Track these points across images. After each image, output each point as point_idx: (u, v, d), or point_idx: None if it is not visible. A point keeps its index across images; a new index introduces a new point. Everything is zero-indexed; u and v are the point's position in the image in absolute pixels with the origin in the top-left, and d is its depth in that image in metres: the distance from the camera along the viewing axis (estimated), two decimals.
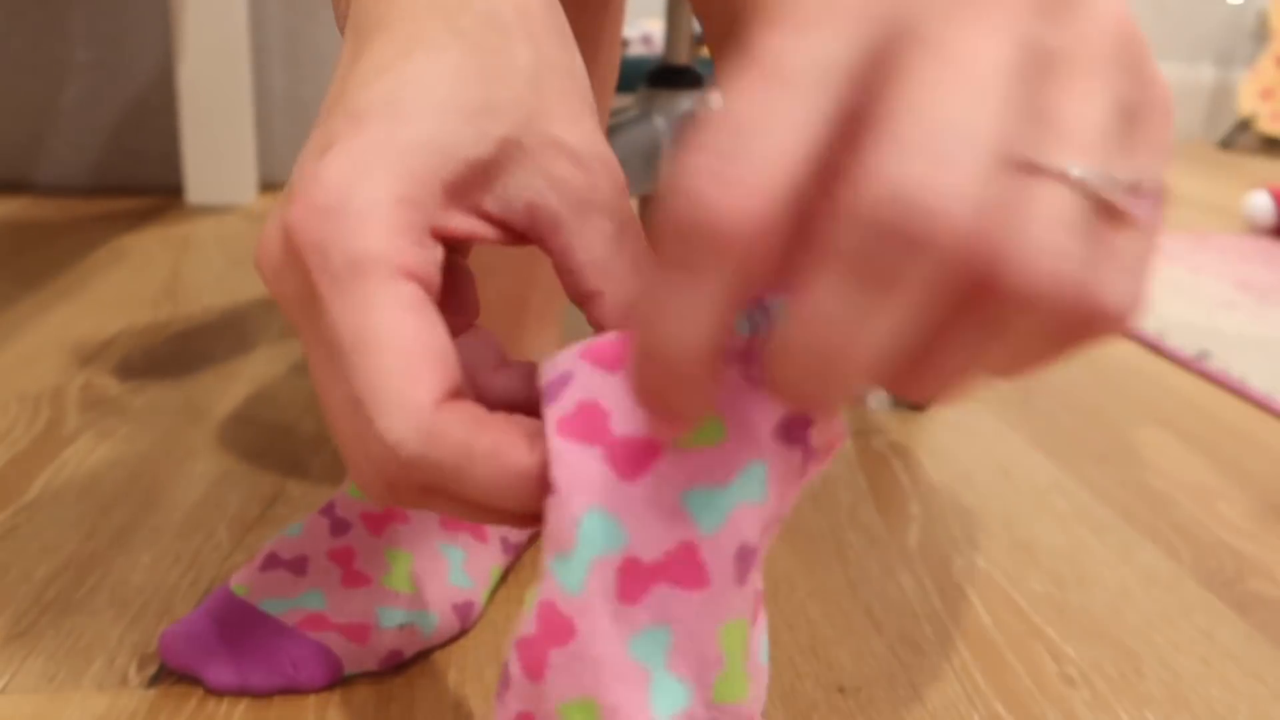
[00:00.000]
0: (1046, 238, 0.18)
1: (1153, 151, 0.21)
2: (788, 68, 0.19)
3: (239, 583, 0.49)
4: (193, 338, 0.91)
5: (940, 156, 0.17)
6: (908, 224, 0.17)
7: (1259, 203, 1.57)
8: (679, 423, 0.23)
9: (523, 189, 0.28)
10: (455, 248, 0.30)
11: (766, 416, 0.26)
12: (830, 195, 0.19)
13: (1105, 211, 0.20)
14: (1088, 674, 0.52)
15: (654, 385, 0.21)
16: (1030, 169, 0.19)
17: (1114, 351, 1.02)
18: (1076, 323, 0.19)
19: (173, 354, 0.87)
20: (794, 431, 0.27)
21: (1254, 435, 0.84)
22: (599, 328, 0.28)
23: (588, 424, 0.26)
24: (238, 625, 0.47)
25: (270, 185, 1.52)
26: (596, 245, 0.28)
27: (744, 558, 0.27)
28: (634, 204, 1.38)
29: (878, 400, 0.85)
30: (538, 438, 0.26)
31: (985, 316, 0.19)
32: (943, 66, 0.18)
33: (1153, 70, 0.22)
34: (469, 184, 0.27)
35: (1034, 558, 0.63)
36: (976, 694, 0.50)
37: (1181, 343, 1.03)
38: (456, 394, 0.25)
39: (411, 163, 0.25)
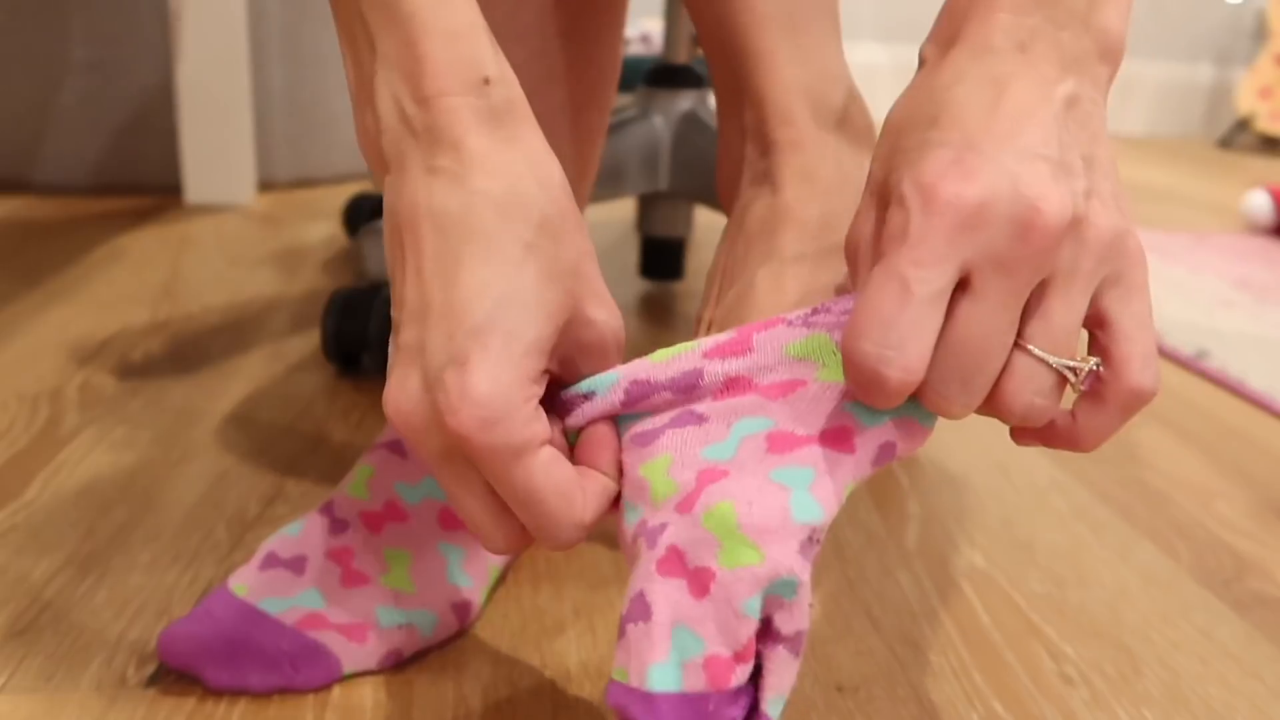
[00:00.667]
0: (1030, 391, 0.35)
1: (1134, 303, 0.35)
2: (918, 294, 0.32)
3: (238, 582, 0.49)
4: (191, 337, 0.91)
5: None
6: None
7: (1258, 202, 1.57)
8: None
9: (563, 351, 0.38)
10: None
11: None
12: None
13: (1061, 378, 0.35)
14: (1086, 673, 0.52)
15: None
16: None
17: None
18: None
19: (171, 353, 0.87)
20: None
21: (1253, 434, 0.84)
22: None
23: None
24: (236, 625, 0.47)
25: (268, 185, 1.52)
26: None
27: (884, 451, 0.37)
28: (633, 203, 1.38)
29: None
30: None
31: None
32: (998, 295, 0.34)
33: (1130, 249, 0.35)
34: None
35: (1032, 557, 0.63)
36: (975, 693, 0.50)
37: (1180, 342, 1.04)
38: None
39: (528, 365, 0.35)
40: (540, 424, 0.36)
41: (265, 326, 0.95)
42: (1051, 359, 0.34)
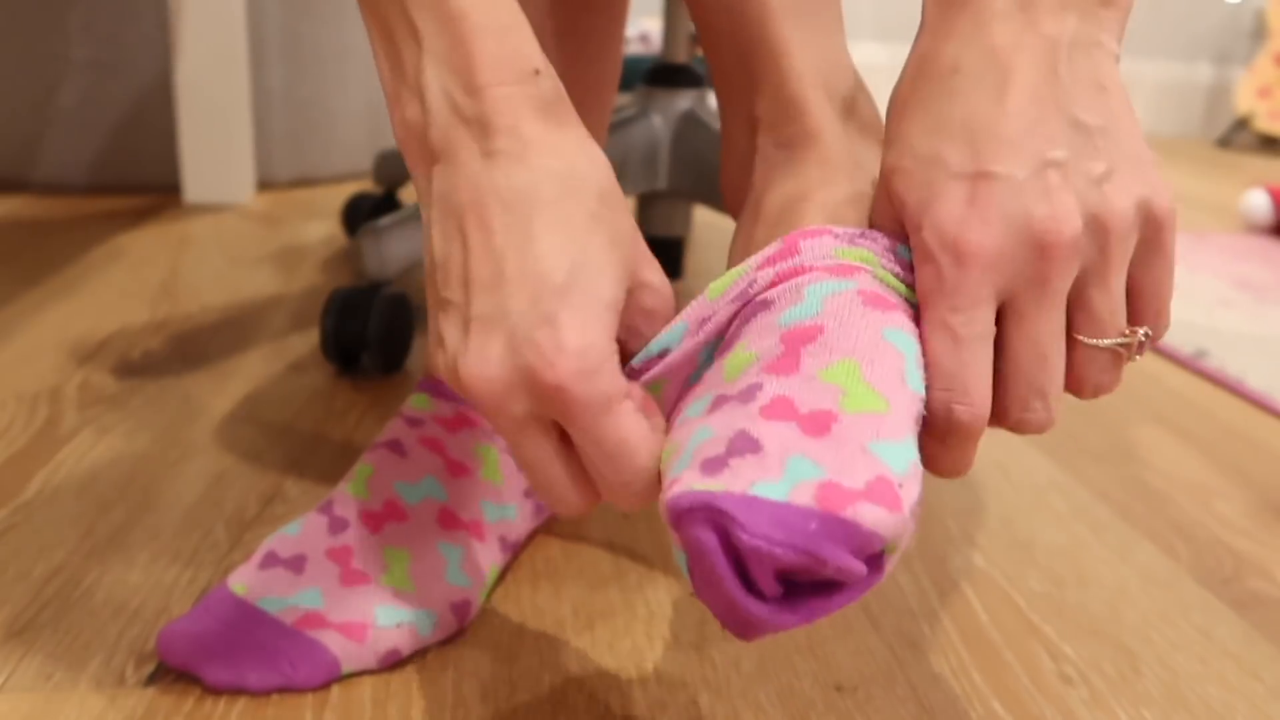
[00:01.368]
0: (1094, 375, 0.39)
1: (1157, 286, 0.38)
2: (966, 337, 0.36)
3: (237, 581, 0.49)
4: (190, 336, 0.91)
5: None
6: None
7: (1256, 201, 1.57)
8: None
9: (627, 317, 0.40)
10: None
11: None
12: None
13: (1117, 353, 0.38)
14: (1086, 673, 0.52)
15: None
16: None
17: None
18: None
19: (170, 352, 0.87)
20: None
21: (1252, 434, 0.84)
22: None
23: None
24: (236, 624, 0.47)
25: (267, 184, 1.52)
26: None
27: None
28: (632, 203, 1.38)
29: None
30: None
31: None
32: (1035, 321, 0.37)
33: (1155, 210, 0.37)
34: None
35: (1032, 556, 0.63)
36: (974, 692, 0.50)
37: (1179, 341, 1.04)
38: None
39: (607, 319, 0.36)
40: (624, 380, 0.37)
41: (264, 326, 0.95)
42: (1103, 342, 0.37)
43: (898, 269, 0.38)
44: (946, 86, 0.37)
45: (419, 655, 0.50)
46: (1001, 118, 0.36)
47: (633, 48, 2.19)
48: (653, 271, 0.40)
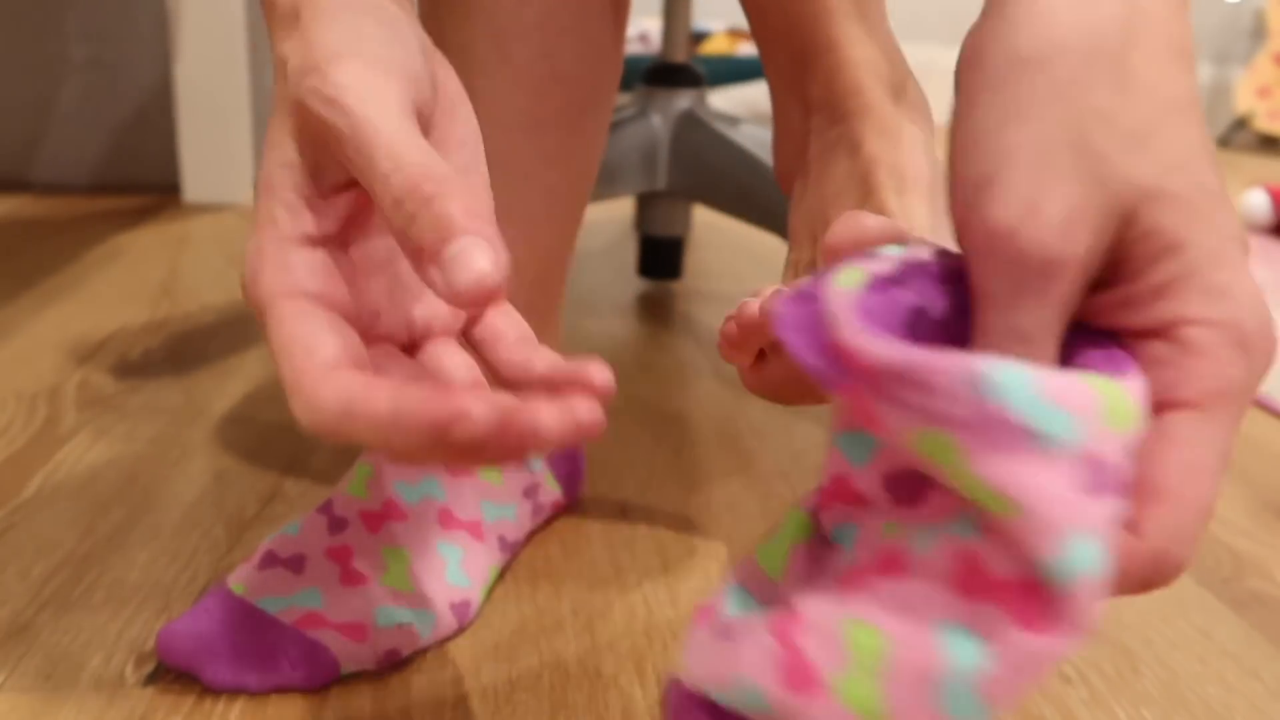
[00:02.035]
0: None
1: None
2: (1027, 329, 0.27)
3: (237, 581, 0.49)
4: (190, 336, 0.91)
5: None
6: None
7: (1256, 201, 1.57)
8: None
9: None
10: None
11: None
12: None
13: None
14: (1085, 672, 0.52)
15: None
16: None
17: None
18: None
19: (170, 352, 0.87)
20: None
21: (1251, 434, 0.84)
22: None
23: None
24: (235, 623, 0.47)
25: None
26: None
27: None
28: (631, 203, 1.38)
29: None
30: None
31: None
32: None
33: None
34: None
35: None
36: None
37: None
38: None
39: (279, 214, 0.31)
40: (282, 281, 0.32)
41: None
42: None
43: None
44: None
45: (419, 655, 0.50)
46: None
47: (632, 47, 2.19)
48: (458, 89, 0.36)
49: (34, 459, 0.67)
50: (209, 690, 0.47)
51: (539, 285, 0.58)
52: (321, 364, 0.28)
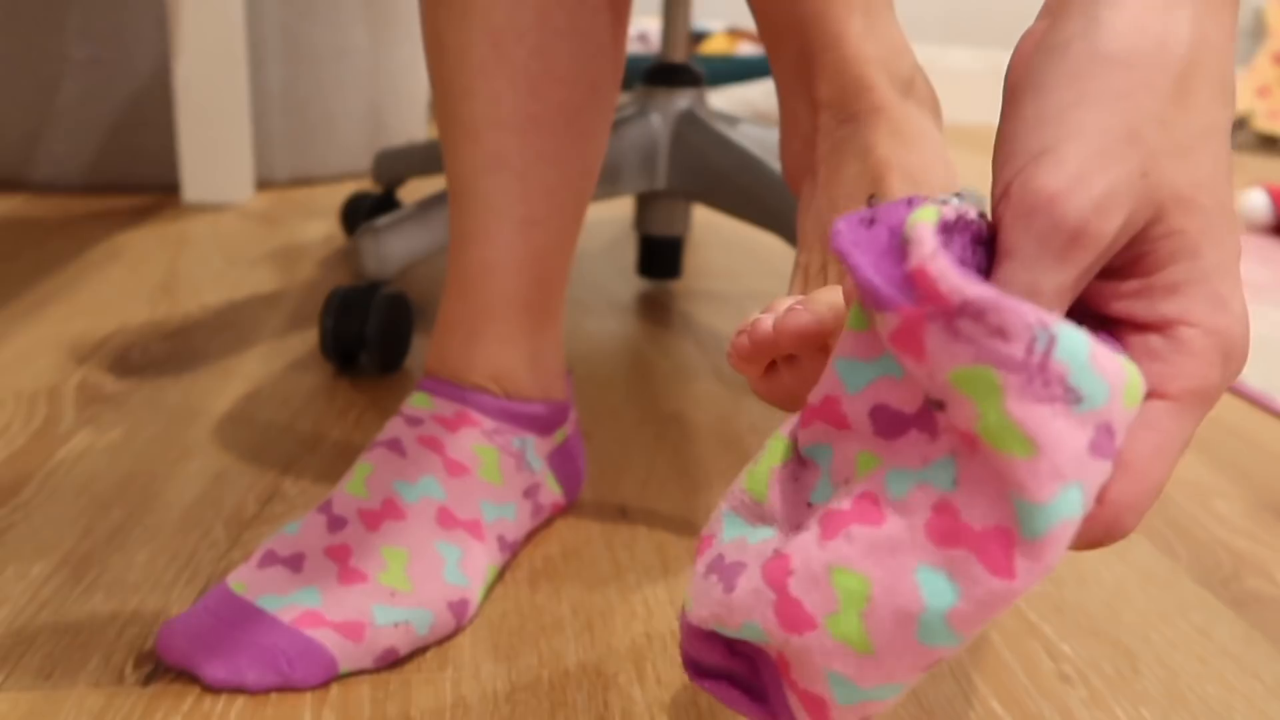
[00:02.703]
0: None
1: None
2: (1043, 288, 0.29)
3: (236, 580, 0.49)
4: (189, 336, 0.91)
5: None
6: None
7: (1255, 201, 1.57)
8: None
9: None
10: None
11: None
12: None
13: None
14: (1084, 672, 0.52)
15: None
16: None
17: None
18: None
19: (169, 352, 0.87)
20: None
21: (1251, 433, 0.84)
22: None
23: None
24: (234, 622, 0.47)
25: (266, 183, 1.51)
26: None
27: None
28: (630, 202, 1.38)
29: None
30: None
31: None
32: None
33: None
34: None
35: None
36: (973, 692, 0.50)
37: None
38: None
39: None
40: None
41: (263, 325, 0.95)
42: None
43: None
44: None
45: (418, 654, 0.50)
46: None
47: (632, 47, 2.19)
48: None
49: (33, 459, 0.67)
50: (208, 690, 0.47)
51: (539, 284, 0.58)
52: None
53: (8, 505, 0.62)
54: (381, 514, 0.53)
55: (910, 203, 0.30)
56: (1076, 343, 0.26)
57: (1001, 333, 0.26)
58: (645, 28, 2.22)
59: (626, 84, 1.32)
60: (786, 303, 0.40)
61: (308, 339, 0.92)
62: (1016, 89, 0.32)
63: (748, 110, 2.09)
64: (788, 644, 0.30)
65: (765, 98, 2.07)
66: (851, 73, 0.49)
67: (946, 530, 0.28)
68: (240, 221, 1.32)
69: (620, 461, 0.72)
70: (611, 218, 1.45)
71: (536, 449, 0.59)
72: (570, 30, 0.54)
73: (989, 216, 0.31)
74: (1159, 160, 0.29)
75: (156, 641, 0.47)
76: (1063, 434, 0.26)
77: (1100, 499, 0.29)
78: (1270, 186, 1.58)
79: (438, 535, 0.53)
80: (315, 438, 0.73)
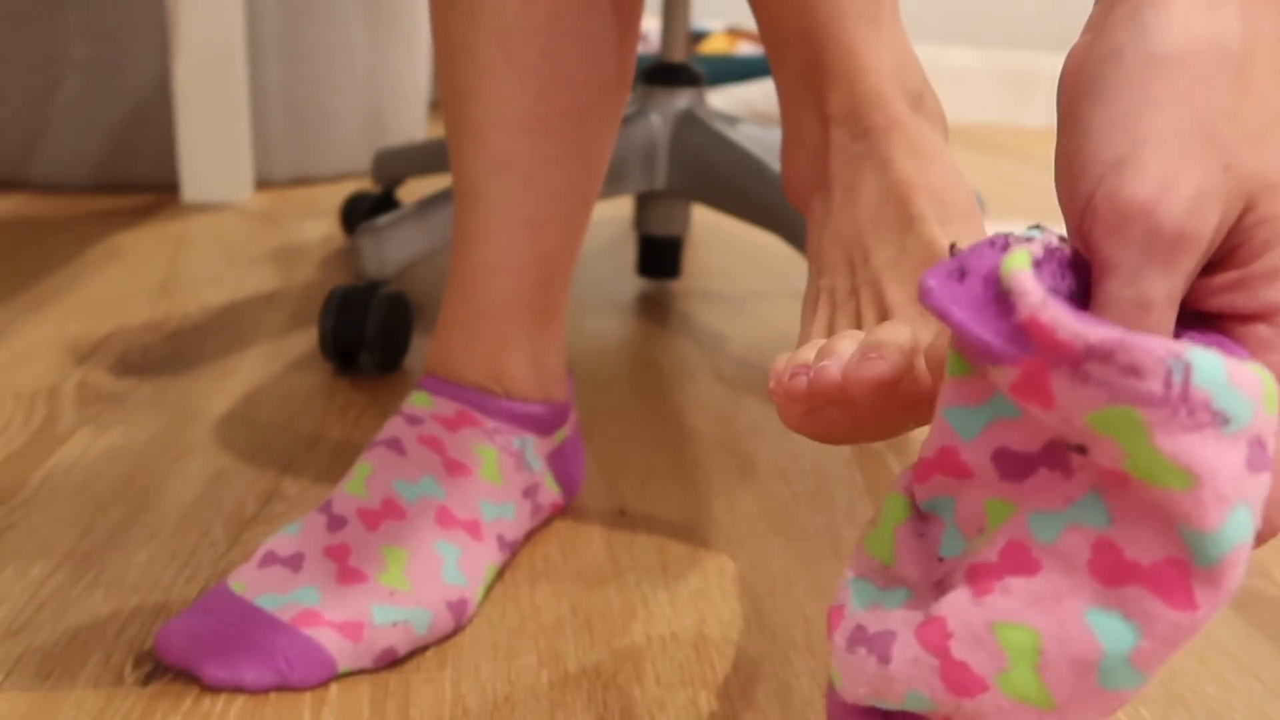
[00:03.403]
0: None
1: None
2: (1153, 297, 0.29)
3: (236, 580, 0.49)
4: (189, 336, 0.91)
5: None
6: None
7: None
8: None
9: None
10: None
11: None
12: None
13: None
14: None
15: None
16: None
17: None
18: None
19: (169, 352, 0.87)
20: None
21: None
22: None
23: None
24: (233, 621, 0.47)
25: (266, 183, 1.51)
26: None
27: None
28: (630, 202, 1.38)
29: None
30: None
31: None
32: None
33: None
34: None
35: None
36: None
37: None
38: None
39: None
40: None
41: (263, 325, 0.95)
42: None
43: None
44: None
45: (417, 654, 0.50)
46: None
47: None
48: None
49: (33, 458, 0.67)
50: (207, 690, 0.47)
51: (542, 285, 0.58)
52: None
53: (7, 505, 0.62)
54: (381, 513, 0.53)
55: (993, 244, 0.29)
56: (1213, 365, 0.25)
57: (1135, 371, 0.25)
58: (645, 27, 2.22)
59: None
60: (848, 344, 0.39)
61: (307, 339, 0.92)
62: (1075, 101, 0.32)
63: (747, 110, 2.09)
64: (959, 709, 0.29)
65: (765, 98, 2.07)
66: (865, 86, 0.48)
67: (1112, 569, 0.27)
68: (240, 221, 1.32)
69: (620, 461, 0.72)
70: (611, 218, 1.45)
71: (536, 449, 0.59)
72: (580, 33, 0.54)
73: (1066, 238, 0.31)
74: (1237, 152, 0.30)
75: (156, 641, 0.47)
76: (1219, 459, 0.25)
77: None
78: None
79: (437, 535, 0.53)
80: (315, 437, 0.73)
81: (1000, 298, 0.27)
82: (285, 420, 0.75)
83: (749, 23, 2.28)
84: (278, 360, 0.86)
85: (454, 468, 0.55)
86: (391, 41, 1.63)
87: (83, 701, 0.46)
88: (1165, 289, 0.29)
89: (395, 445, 0.56)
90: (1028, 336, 0.26)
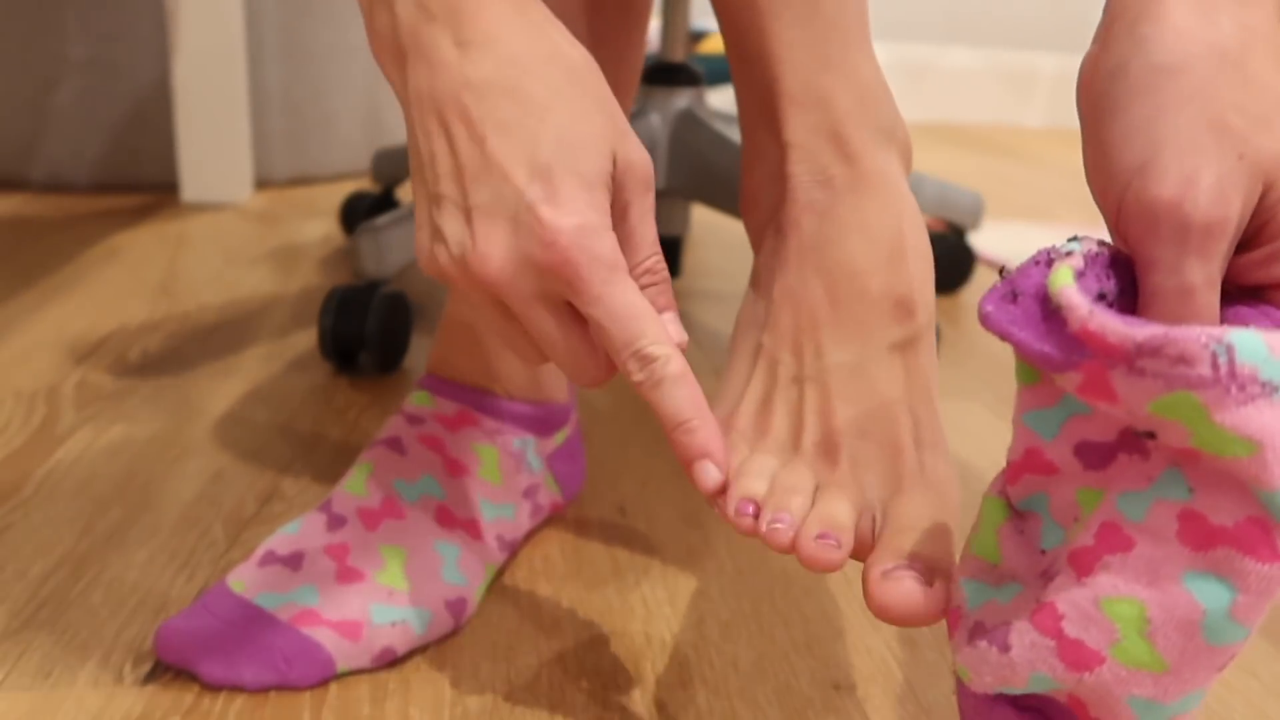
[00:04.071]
0: None
1: None
2: (1195, 283, 0.33)
3: (236, 579, 0.49)
4: (188, 335, 0.91)
5: None
6: None
7: None
8: None
9: (617, 189, 0.40)
10: None
11: None
12: None
13: None
14: None
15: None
16: None
17: None
18: None
19: (168, 351, 0.87)
20: None
21: None
22: None
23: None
24: (232, 620, 0.47)
25: (265, 183, 1.51)
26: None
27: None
28: None
29: None
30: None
31: None
32: None
33: None
34: None
35: None
36: None
37: None
38: None
39: (598, 191, 0.37)
40: (618, 249, 0.38)
41: (262, 324, 0.95)
42: None
43: None
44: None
45: (417, 654, 0.50)
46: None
47: None
48: (635, 146, 0.40)
49: (32, 458, 0.67)
50: (207, 689, 0.47)
51: None
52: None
53: (7, 504, 0.62)
54: (381, 513, 0.53)
55: (1038, 262, 0.32)
56: (1253, 342, 0.28)
57: (1184, 359, 0.28)
58: None
59: None
60: (800, 502, 0.40)
61: (307, 338, 0.92)
62: (1093, 113, 0.35)
63: None
64: (1080, 684, 0.31)
65: None
66: (825, 123, 0.45)
67: (1200, 535, 0.29)
68: (239, 221, 1.32)
69: (620, 461, 0.72)
70: None
71: (537, 449, 0.59)
72: (587, 37, 0.54)
73: (1108, 240, 0.34)
74: (1249, 140, 0.32)
75: (155, 640, 0.47)
76: (1275, 423, 0.28)
77: None
78: None
79: (436, 534, 0.53)
80: (314, 437, 0.73)
81: (1052, 314, 0.30)
82: (285, 420, 0.75)
83: None
84: (277, 360, 0.86)
85: (454, 467, 0.55)
86: None
87: (83, 700, 0.46)
88: (1204, 275, 0.32)
89: (395, 444, 0.56)
90: (1082, 344, 0.29)
